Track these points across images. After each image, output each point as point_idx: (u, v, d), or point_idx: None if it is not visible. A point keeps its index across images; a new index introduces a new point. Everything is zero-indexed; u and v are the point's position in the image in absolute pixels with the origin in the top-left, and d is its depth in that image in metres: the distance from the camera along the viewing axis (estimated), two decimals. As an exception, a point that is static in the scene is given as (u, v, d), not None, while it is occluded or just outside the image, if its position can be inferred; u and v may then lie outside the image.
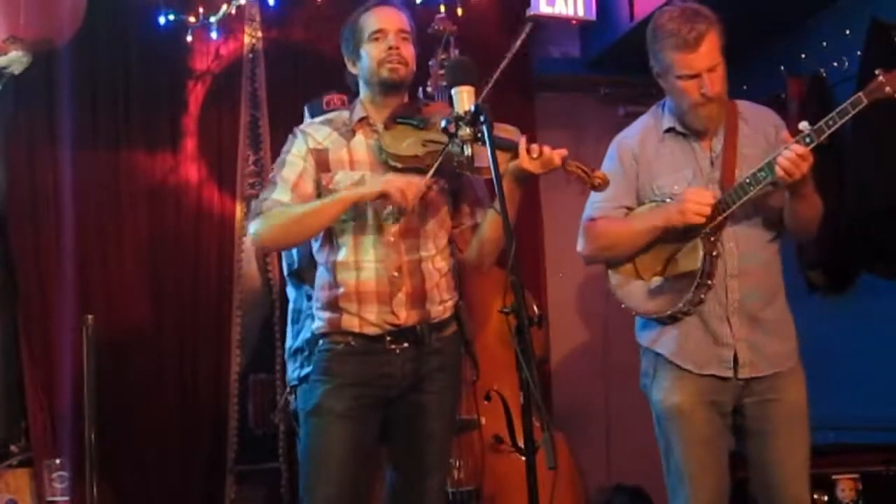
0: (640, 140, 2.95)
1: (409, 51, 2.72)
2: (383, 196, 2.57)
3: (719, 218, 2.75)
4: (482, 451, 3.75)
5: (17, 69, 3.71)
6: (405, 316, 2.66)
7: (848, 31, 4.07)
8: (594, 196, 2.93)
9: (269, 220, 2.65)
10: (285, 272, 3.43)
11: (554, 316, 4.68)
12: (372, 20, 2.73)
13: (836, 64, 4.12)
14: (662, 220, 2.79)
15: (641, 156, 2.92)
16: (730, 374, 2.79)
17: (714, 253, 2.76)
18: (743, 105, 2.94)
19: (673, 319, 2.82)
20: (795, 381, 2.84)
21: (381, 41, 2.70)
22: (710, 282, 2.76)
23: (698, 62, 2.74)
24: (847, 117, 2.61)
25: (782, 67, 4.33)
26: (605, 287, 2.99)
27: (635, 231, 2.86)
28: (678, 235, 2.78)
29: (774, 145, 2.74)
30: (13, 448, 4.03)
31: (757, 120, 2.90)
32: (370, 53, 2.71)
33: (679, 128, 2.89)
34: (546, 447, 2.05)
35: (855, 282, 4.17)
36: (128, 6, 4.27)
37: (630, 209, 2.92)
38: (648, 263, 2.87)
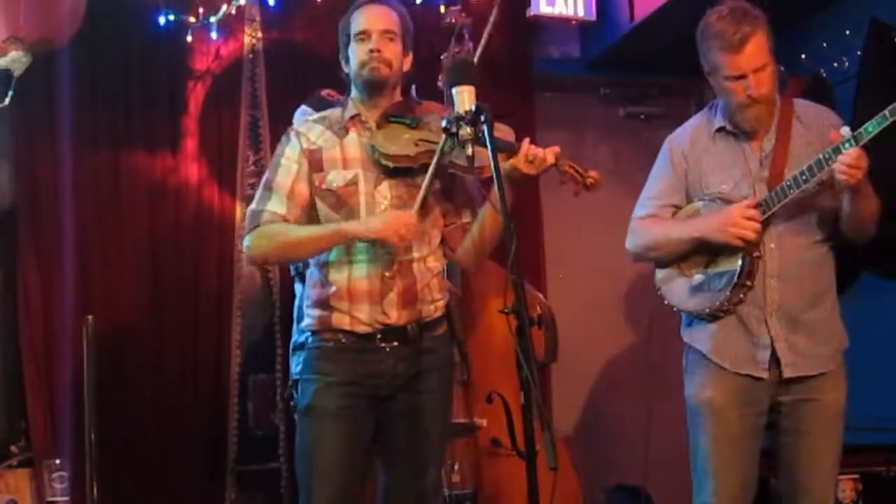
0: (690, 139, 2.96)
1: (392, 51, 2.72)
2: (382, 241, 2.59)
3: (761, 219, 2.74)
4: (479, 453, 3.76)
5: (17, 70, 3.71)
6: (396, 316, 2.67)
7: (848, 31, 4.07)
8: (644, 193, 2.99)
9: (263, 238, 2.66)
10: (292, 272, 3.45)
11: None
12: (358, 20, 2.74)
13: (836, 64, 4.12)
14: (703, 233, 2.81)
15: (691, 154, 2.93)
16: (765, 374, 2.79)
17: (755, 254, 2.76)
18: (800, 104, 2.93)
19: (713, 318, 2.84)
20: (835, 383, 2.83)
21: (364, 42, 2.71)
22: (748, 282, 2.76)
23: (744, 63, 2.74)
24: (886, 123, 2.57)
25: (782, 68, 4.32)
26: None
27: (677, 237, 2.88)
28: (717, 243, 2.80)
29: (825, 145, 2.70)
30: (13, 448, 4.02)
31: (813, 119, 2.87)
32: (355, 54, 2.73)
33: (729, 127, 2.89)
34: (547, 447, 2.05)
35: (855, 282, 4.17)
36: (128, 6, 4.27)
37: (678, 207, 2.94)
38: (691, 262, 2.88)
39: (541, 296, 4.29)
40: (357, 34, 2.72)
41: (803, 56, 4.32)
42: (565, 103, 5.11)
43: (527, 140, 2.59)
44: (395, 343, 2.68)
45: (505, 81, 4.70)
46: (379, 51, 2.69)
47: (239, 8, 4.32)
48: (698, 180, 2.90)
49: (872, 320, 4.06)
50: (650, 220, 2.95)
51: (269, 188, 2.71)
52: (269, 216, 2.67)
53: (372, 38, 2.70)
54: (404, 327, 2.68)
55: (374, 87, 2.73)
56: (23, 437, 4.06)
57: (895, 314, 3.96)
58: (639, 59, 4.76)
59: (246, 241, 2.70)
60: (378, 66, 2.69)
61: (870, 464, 3.60)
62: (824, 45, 4.23)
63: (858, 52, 3.88)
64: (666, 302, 2.95)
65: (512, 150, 2.57)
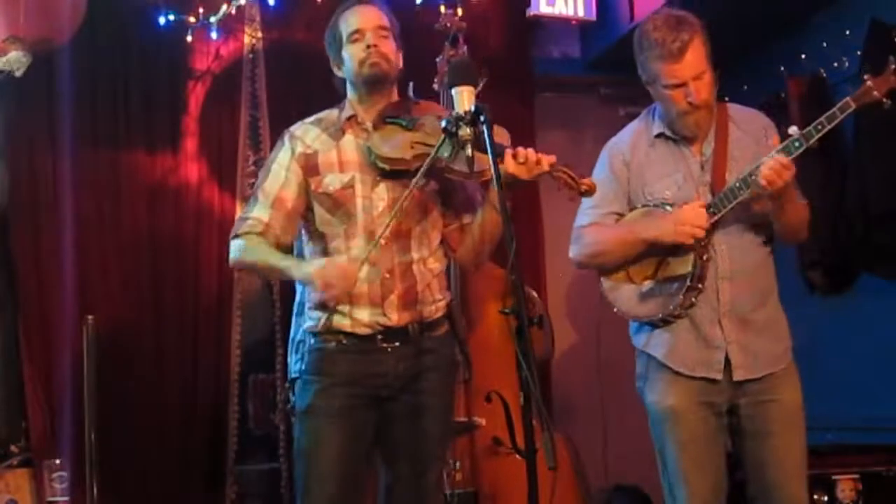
0: (630, 145, 2.97)
1: (388, 46, 2.73)
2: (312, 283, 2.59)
3: (709, 222, 2.75)
4: (479, 452, 3.76)
5: (18, 70, 3.71)
6: (397, 318, 2.67)
7: (848, 31, 4.07)
8: (586, 202, 2.94)
9: (244, 252, 2.73)
10: None
11: (553, 316, 4.69)
12: (349, 21, 2.74)
13: (836, 64, 4.12)
14: (654, 235, 2.81)
15: (632, 161, 2.93)
16: (719, 376, 2.79)
17: (705, 257, 2.77)
18: (733, 108, 2.95)
19: (665, 323, 2.84)
20: (790, 381, 2.85)
21: (359, 41, 2.71)
22: (700, 285, 2.77)
23: (683, 71, 2.75)
24: (835, 122, 2.63)
25: (782, 67, 4.33)
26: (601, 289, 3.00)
27: (626, 241, 2.88)
28: (668, 245, 2.80)
29: (764, 147, 2.75)
30: (13, 448, 4.02)
31: (747, 123, 2.91)
32: (351, 54, 2.73)
33: (669, 133, 2.90)
34: (546, 447, 2.05)
35: (855, 282, 4.18)
36: (128, 6, 4.27)
37: (621, 215, 2.93)
38: (640, 268, 2.88)
39: (534, 293, 4.28)
40: (351, 34, 2.72)
41: (803, 56, 4.32)
42: (565, 103, 5.11)
43: (508, 150, 2.55)
44: (397, 343, 2.68)
45: (505, 81, 4.70)
46: (376, 45, 2.70)
47: (239, 8, 4.33)
48: (641, 187, 2.91)
49: (872, 320, 4.07)
50: (594, 228, 2.95)
51: (256, 194, 2.77)
52: (252, 223, 2.72)
53: (367, 35, 2.71)
54: (405, 328, 2.69)
55: (374, 84, 2.73)
56: (23, 437, 4.06)
57: (895, 314, 3.96)
58: (639, 60, 4.76)
59: (231, 248, 2.77)
60: (378, 62, 2.69)
61: (870, 464, 3.61)
62: (824, 45, 4.23)
63: (858, 52, 3.89)
64: (615, 309, 2.94)
65: (501, 154, 2.55)
